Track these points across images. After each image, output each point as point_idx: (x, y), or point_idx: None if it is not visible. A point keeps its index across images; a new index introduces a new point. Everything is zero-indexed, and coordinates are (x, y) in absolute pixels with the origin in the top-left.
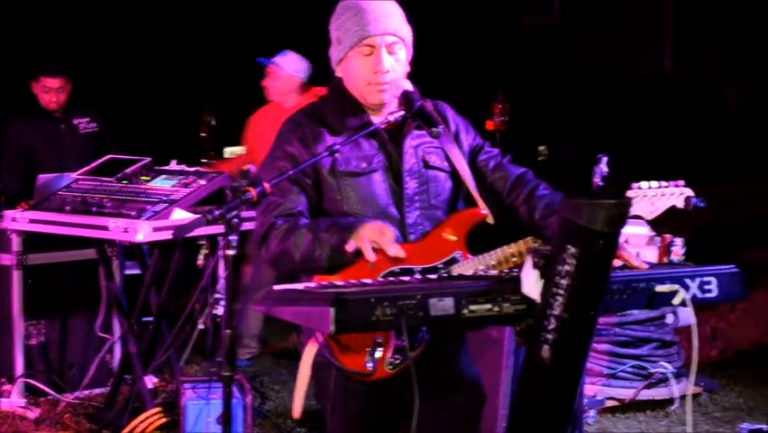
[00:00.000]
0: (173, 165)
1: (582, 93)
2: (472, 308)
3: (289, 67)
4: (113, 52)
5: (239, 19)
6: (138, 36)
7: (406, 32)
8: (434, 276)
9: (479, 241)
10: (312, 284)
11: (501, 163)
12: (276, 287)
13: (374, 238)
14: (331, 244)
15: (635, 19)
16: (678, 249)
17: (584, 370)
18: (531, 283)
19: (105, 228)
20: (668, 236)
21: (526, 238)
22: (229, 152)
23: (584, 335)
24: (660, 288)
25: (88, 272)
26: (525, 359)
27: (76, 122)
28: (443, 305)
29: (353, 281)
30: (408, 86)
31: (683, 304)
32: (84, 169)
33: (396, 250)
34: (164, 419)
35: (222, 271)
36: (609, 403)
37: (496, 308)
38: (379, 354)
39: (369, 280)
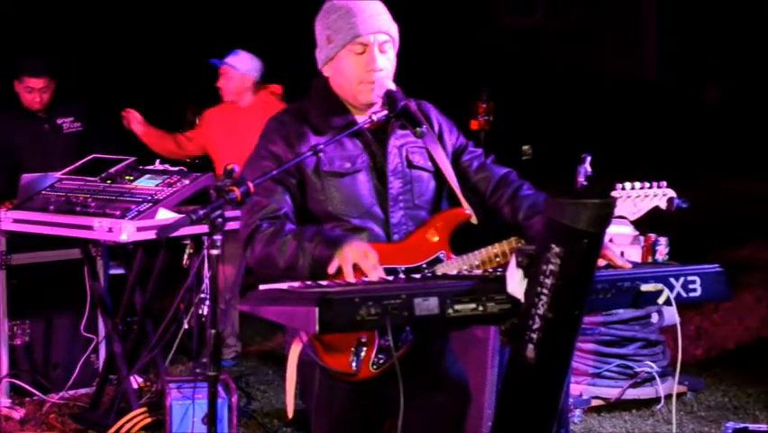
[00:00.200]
0: (157, 165)
1: (566, 92)
2: (457, 307)
3: (242, 66)
4: (96, 52)
5: (222, 18)
6: (122, 35)
7: (395, 31)
8: (418, 276)
9: (462, 241)
10: (296, 284)
11: (485, 164)
12: (261, 286)
13: (357, 260)
14: (314, 255)
15: (617, 19)
16: (662, 248)
17: (569, 369)
18: (515, 283)
19: (89, 228)
20: (652, 236)
21: (510, 238)
22: None
23: (569, 334)
24: (645, 287)
25: (73, 272)
26: (510, 358)
27: (59, 121)
28: (427, 305)
29: (338, 281)
30: (392, 85)
31: (668, 303)
32: (68, 168)
33: (377, 274)
34: (149, 419)
35: (207, 271)
36: (595, 402)
37: (480, 308)
38: (363, 353)
39: (353, 280)
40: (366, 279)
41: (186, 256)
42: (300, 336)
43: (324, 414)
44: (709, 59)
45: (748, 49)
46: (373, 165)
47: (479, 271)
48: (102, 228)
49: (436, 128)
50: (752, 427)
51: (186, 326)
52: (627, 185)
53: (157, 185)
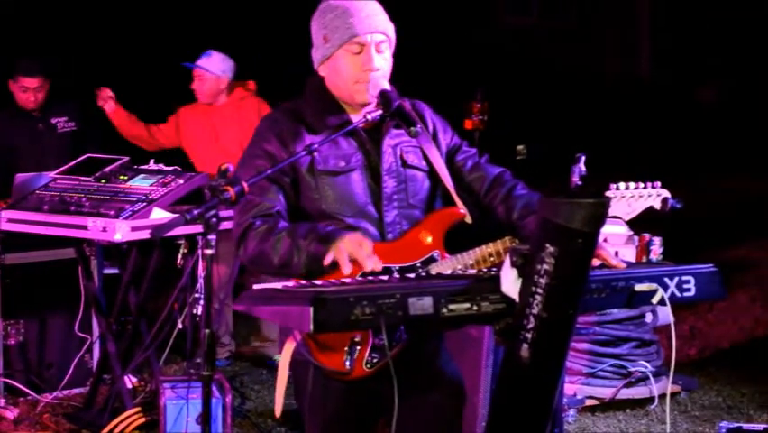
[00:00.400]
0: (151, 164)
1: (564, 92)
2: (451, 307)
3: (216, 68)
4: (91, 51)
5: (222, 18)
6: (116, 35)
7: (392, 31)
8: (412, 275)
9: (457, 240)
10: (290, 283)
11: (479, 163)
12: (255, 286)
13: (352, 251)
14: (309, 251)
15: (615, 18)
16: (656, 248)
17: (564, 369)
18: (510, 282)
19: (83, 228)
20: (646, 235)
21: (504, 238)
22: None
23: (563, 333)
24: (639, 287)
25: (67, 272)
26: (505, 358)
27: (54, 121)
28: (422, 304)
29: (332, 280)
30: (386, 85)
31: (662, 303)
32: (62, 168)
33: (373, 264)
34: (143, 419)
35: (201, 271)
36: (589, 402)
37: (475, 308)
38: (357, 352)
39: (347, 280)
40: (361, 273)
41: (180, 256)
42: (294, 335)
43: (318, 413)
44: (704, 57)
45: (743, 48)
46: (368, 164)
47: (473, 271)
48: (96, 228)
49: (431, 128)
50: (746, 426)
51: (180, 325)
52: (622, 185)
53: (151, 184)
